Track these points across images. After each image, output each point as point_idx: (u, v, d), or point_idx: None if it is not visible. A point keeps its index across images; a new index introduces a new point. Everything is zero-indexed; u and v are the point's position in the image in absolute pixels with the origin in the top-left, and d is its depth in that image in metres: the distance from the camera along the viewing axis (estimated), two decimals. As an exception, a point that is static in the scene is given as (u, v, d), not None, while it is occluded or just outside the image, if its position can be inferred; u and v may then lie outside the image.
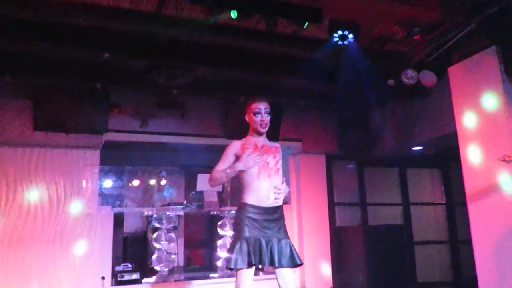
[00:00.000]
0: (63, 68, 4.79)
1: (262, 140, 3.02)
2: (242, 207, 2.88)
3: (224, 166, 2.94)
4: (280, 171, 3.00)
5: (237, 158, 2.94)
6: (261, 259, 2.75)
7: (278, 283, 2.88)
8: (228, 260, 2.79)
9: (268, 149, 2.98)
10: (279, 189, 2.90)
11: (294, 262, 2.82)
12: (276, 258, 2.76)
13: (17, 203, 5.01)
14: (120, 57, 4.64)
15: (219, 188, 6.45)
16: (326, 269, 6.35)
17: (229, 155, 2.97)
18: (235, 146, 2.97)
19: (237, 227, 2.85)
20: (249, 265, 2.74)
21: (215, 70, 5.09)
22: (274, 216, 2.88)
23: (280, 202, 2.96)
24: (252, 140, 3.00)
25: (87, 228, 5.27)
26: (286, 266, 2.82)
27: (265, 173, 2.89)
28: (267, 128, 2.99)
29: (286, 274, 2.85)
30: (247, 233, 2.77)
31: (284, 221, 2.95)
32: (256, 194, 2.86)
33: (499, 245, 4.09)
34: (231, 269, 2.79)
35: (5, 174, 5.02)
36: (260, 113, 2.95)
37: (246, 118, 3.04)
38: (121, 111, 5.54)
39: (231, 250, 2.79)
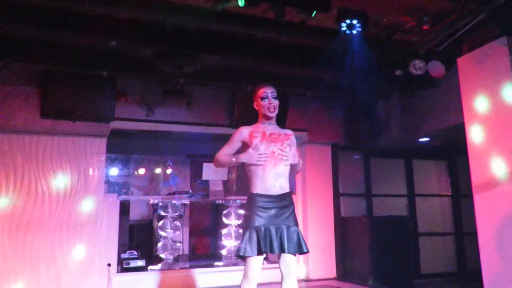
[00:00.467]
0: (71, 55, 4.79)
1: (272, 128, 2.98)
2: (251, 197, 2.89)
3: (229, 150, 2.96)
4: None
5: (244, 144, 2.94)
6: (272, 247, 2.76)
7: (280, 269, 2.89)
8: (237, 249, 2.82)
9: (276, 138, 2.95)
10: (283, 150, 2.88)
11: (301, 249, 2.83)
12: (285, 244, 2.78)
13: (25, 190, 5.06)
14: (127, 45, 4.63)
15: (225, 177, 6.47)
16: (330, 259, 6.38)
17: (236, 141, 2.97)
18: (243, 132, 2.96)
19: (247, 216, 2.87)
20: (259, 253, 2.76)
21: (222, 58, 5.07)
22: (282, 203, 2.88)
23: (287, 164, 2.92)
24: (261, 127, 2.98)
25: (94, 215, 5.31)
26: (292, 252, 2.82)
27: (270, 163, 2.87)
28: (275, 112, 2.97)
29: (290, 261, 2.86)
30: (256, 222, 2.79)
31: (293, 208, 2.94)
32: (263, 183, 2.86)
33: (504, 237, 4.08)
34: (241, 257, 2.81)
35: (13, 161, 5.06)
36: (267, 97, 2.94)
37: (255, 105, 3.03)
38: (127, 99, 5.55)
39: (242, 238, 2.81)
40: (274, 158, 2.89)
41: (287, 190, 2.95)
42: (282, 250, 2.78)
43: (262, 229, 2.78)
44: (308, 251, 2.86)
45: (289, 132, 3.09)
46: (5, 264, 4.86)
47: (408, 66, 4.80)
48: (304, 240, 2.86)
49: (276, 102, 2.96)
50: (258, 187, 2.87)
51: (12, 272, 4.87)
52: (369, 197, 7.15)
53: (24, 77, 5.09)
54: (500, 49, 4.21)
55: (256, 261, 2.78)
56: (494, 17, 4.09)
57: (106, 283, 5.21)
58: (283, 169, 2.92)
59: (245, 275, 2.81)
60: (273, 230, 2.79)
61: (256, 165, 2.86)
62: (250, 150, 2.88)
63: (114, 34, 4.30)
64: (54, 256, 5.06)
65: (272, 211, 2.83)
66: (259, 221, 2.79)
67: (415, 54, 4.73)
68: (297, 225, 2.90)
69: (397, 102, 6.41)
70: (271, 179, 2.87)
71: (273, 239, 2.76)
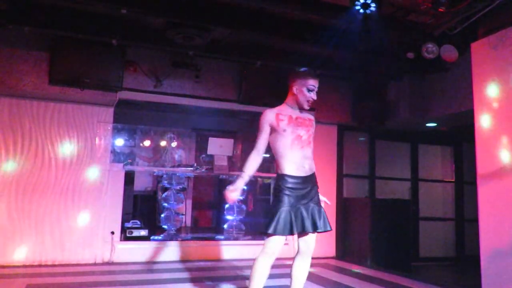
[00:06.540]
0: (81, 21, 4.74)
1: (297, 112, 3.02)
2: (281, 177, 2.93)
3: (264, 138, 2.97)
4: (312, 143, 3.05)
5: (272, 128, 2.95)
6: (304, 225, 2.86)
7: (298, 245, 3.00)
8: (266, 225, 2.84)
9: (302, 122, 3.00)
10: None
11: (326, 227, 2.94)
12: (318, 222, 2.89)
13: (32, 154, 5.11)
14: (137, 13, 4.56)
15: (230, 153, 6.48)
16: (330, 238, 6.44)
17: (265, 126, 2.96)
18: (269, 116, 2.96)
19: (278, 196, 2.91)
20: (290, 233, 2.83)
21: (232, 32, 5.00)
22: (310, 183, 2.97)
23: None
24: (287, 110, 3.00)
25: (99, 183, 5.38)
26: (323, 229, 2.92)
27: (298, 145, 2.94)
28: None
29: (311, 239, 2.98)
30: (287, 203, 2.85)
31: (317, 188, 3.03)
32: (293, 164, 2.92)
33: (505, 226, 4.09)
34: (267, 234, 2.85)
35: (21, 126, 5.10)
36: (314, 90, 2.98)
37: (294, 89, 3.01)
38: (136, 69, 5.52)
39: (271, 216, 2.84)
40: (301, 141, 2.95)
41: (314, 170, 3.04)
42: (314, 228, 2.89)
43: (294, 209, 2.85)
44: (331, 229, 2.98)
45: (311, 116, 3.15)
46: (12, 226, 4.96)
47: (420, 49, 4.73)
48: (328, 219, 2.98)
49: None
50: (289, 168, 2.91)
51: (18, 234, 4.97)
52: (372, 179, 7.16)
53: (33, 42, 5.06)
54: (517, 35, 4.12)
55: (281, 240, 2.85)
56: (513, 1, 3.98)
57: (109, 250, 5.31)
58: (310, 152, 3.01)
59: (265, 251, 2.86)
60: (303, 209, 2.88)
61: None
62: (228, 192, 3.05)
63: (124, 1, 4.24)
64: (59, 220, 5.15)
65: (302, 191, 2.91)
66: (290, 202, 2.86)
67: (429, 37, 4.63)
68: (320, 204, 3.00)
69: (407, 84, 6.34)
70: (300, 160, 2.93)
71: (305, 218, 2.86)
